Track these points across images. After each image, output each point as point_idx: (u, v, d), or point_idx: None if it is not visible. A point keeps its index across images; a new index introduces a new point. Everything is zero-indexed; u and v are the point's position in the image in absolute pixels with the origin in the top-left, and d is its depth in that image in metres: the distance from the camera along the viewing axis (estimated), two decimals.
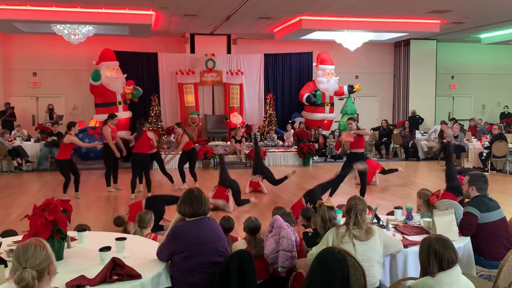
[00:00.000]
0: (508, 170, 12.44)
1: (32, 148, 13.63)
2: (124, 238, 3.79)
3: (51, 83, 16.74)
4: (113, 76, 15.25)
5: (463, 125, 15.47)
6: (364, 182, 8.93)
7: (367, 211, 4.17)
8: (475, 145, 13.44)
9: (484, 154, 12.65)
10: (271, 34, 16.52)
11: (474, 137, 14.74)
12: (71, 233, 4.01)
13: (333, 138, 15.81)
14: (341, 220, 4.49)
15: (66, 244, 3.75)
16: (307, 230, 4.54)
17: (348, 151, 9.17)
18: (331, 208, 4.29)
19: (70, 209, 3.74)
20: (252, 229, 4.57)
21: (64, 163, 9.25)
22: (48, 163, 13.51)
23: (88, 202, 9.25)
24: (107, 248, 3.54)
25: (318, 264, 3.19)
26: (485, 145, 12.89)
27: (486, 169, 12.44)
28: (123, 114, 15.56)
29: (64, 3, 11.88)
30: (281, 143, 15.50)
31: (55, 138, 13.54)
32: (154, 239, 4.70)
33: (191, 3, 11.95)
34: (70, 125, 9.31)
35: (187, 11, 13.04)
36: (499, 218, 4.52)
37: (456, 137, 13.61)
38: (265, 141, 15.70)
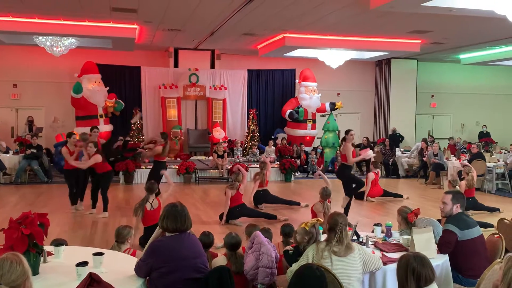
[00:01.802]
0: (486, 189, 12.61)
1: (10, 160, 13.42)
2: (102, 253, 3.74)
3: (31, 95, 16.56)
4: (95, 89, 15.16)
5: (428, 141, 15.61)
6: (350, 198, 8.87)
7: (347, 228, 4.18)
8: (454, 164, 13.60)
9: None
10: (255, 50, 16.64)
11: (453, 155, 14.93)
12: (47, 248, 3.94)
13: (315, 154, 15.88)
14: (322, 236, 4.49)
15: (42, 258, 3.68)
16: (288, 248, 4.53)
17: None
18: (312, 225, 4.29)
19: (47, 223, 3.69)
20: (233, 244, 4.55)
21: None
22: (26, 175, 13.30)
23: (65, 216, 9.11)
24: (84, 263, 3.49)
25: (297, 281, 3.19)
26: (464, 164, 13.05)
27: None
28: (104, 128, 15.45)
29: (47, 15, 11.81)
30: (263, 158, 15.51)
31: (34, 150, 13.35)
32: (133, 254, 4.63)
33: (175, 18, 12.00)
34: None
35: (171, 26, 13.07)
36: (477, 235, 4.55)
37: (435, 155, 13.79)
38: (247, 157, 15.71)
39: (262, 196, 10.08)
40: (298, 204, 10.27)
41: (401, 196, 11.45)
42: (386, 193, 11.43)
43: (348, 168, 8.66)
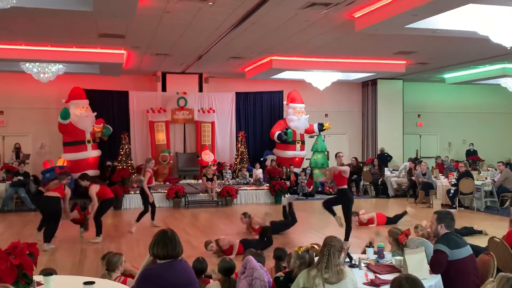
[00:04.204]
0: (475, 207, 12.68)
1: None
2: (93, 282, 3.68)
3: (18, 122, 16.41)
4: (82, 115, 15.09)
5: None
6: (349, 222, 8.82)
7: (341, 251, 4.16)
8: (442, 182, 13.68)
9: (452, 191, 12.89)
10: (242, 73, 16.75)
11: (441, 174, 15.03)
12: (36, 277, 3.86)
13: (305, 175, 15.89)
14: None
15: None
16: (279, 274, 4.48)
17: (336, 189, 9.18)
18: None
19: (36, 252, 3.62)
20: (227, 269, 4.52)
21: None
22: (13, 204, 13.12)
23: (55, 246, 8.96)
24: None
25: None
26: (452, 182, 13.15)
27: (454, 206, 12.66)
28: (92, 153, 15.35)
29: (34, 41, 11.81)
30: (252, 180, 15.52)
31: (21, 178, 13.20)
32: (124, 282, 4.57)
33: (163, 43, 12.07)
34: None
35: (159, 51, 13.14)
36: (467, 255, 4.56)
37: (424, 174, 13.87)
38: (237, 179, 15.67)
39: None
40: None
41: (404, 214, 10.99)
42: (390, 221, 10.82)
43: (347, 191, 8.74)
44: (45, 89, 15.78)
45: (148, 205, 10.49)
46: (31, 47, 12.23)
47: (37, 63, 13.21)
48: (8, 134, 16.47)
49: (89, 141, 15.31)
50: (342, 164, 8.81)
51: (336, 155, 8.89)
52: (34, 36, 11.22)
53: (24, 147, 15.94)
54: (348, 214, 8.71)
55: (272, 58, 14.12)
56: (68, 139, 15.16)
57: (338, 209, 8.89)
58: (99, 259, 7.13)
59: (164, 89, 17.05)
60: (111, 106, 16.64)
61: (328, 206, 8.98)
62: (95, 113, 15.50)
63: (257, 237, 8.96)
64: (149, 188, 10.52)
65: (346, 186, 8.77)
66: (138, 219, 10.34)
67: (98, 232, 9.24)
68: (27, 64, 13.21)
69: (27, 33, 10.92)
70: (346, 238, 8.56)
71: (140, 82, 17.37)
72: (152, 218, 10.69)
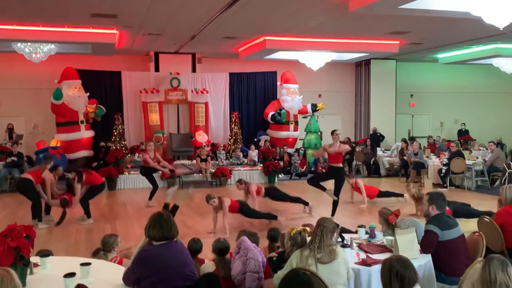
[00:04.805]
0: (466, 186, 12.84)
1: None
2: (89, 263, 3.75)
3: (10, 103, 16.29)
4: (75, 95, 15.01)
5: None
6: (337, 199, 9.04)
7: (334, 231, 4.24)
8: (434, 162, 13.82)
9: (443, 171, 13.03)
10: (236, 54, 16.67)
11: (433, 154, 15.16)
12: (33, 259, 3.92)
13: (298, 156, 15.97)
14: None
15: (29, 270, 3.67)
16: (272, 254, 4.57)
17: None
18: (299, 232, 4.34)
19: (33, 235, 3.68)
20: (221, 249, 4.59)
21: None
22: (7, 184, 13.13)
23: (49, 225, 9.02)
24: (71, 274, 3.49)
25: (285, 287, 3.24)
26: (444, 162, 13.29)
27: (445, 185, 12.81)
28: (86, 134, 15.32)
29: (25, 21, 11.67)
30: (246, 161, 15.58)
31: (14, 158, 13.20)
32: (120, 263, 4.64)
33: (155, 22, 11.97)
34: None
35: (151, 30, 13.04)
36: (458, 236, 4.66)
37: (416, 154, 13.99)
38: (231, 160, 15.73)
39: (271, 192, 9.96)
40: (307, 204, 9.91)
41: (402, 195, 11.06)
42: (382, 194, 11.00)
43: (341, 169, 8.92)
44: (37, 70, 15.65)
45: (156, 182, 11.12)
46: (22, 27, 12.08)
47: (29, 43, 13.07)
48: (0, 114, 16.36)
49: (82, 122, 15.26)
50: (343, 143, 9.03)
51: (333, 132, 8.91)
52: (26, 16, 11.09)
53: (17, 128, 15.85)
54: (338, 191, 8.90)
55: (266, 38, 14.05)
56: (61, 120, 15.10)
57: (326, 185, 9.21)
58: (94, 239, 7.21)
59: (157, 69, 16.94)
60: (103, 87, 16.53)
61: (315, 182, 9.22)
62: (88, 94, 15.41)
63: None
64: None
65: (341, 165, 8.96)
66: (150, 198, 10.96)
67: (87, 215, 9.28)
68: (19, 44, 13.07)
69: (18, 13, 10.78)
70: (333, 214, 8.89)
71: (132, 62, 17.24)
72: (150, 198, 10.78)
